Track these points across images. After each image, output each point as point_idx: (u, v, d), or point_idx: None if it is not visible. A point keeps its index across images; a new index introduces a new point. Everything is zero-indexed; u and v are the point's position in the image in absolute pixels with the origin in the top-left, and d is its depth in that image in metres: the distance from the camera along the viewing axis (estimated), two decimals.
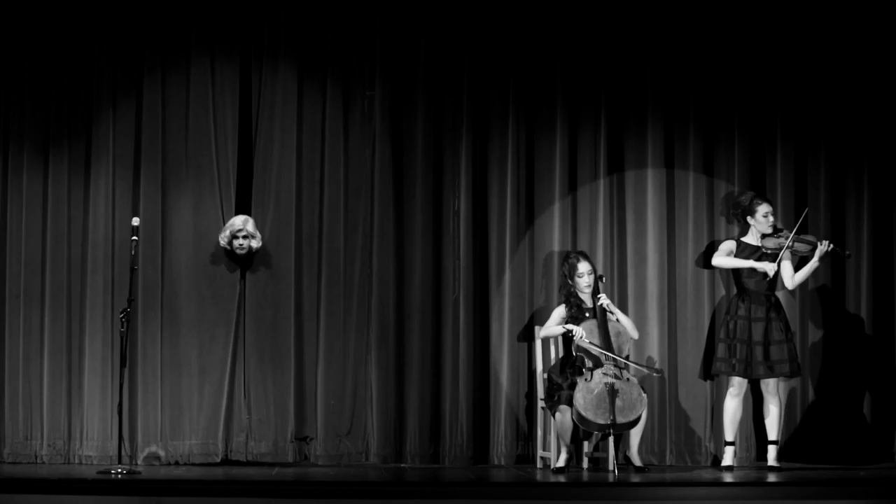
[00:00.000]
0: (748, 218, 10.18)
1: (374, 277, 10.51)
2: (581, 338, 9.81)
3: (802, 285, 10.34)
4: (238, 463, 10.27)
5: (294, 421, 10.37)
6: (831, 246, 10.04)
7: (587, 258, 10.12)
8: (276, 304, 10.41)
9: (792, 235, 10.06)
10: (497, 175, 10.63)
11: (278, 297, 10.41)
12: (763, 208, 10.14)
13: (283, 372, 10.39)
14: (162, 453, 10.21)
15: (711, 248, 10.45)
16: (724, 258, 10.15)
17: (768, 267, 9.99)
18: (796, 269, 10.17)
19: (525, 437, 10.46)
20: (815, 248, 10.07)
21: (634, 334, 10.09)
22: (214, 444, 10.27)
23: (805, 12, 10.70)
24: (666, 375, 10.45)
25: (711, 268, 10.40)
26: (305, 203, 10.52)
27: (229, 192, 10.45)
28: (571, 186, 10.67)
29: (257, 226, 10.37)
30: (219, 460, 10.25)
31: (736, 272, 10.16)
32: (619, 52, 10.68)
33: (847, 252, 10.35)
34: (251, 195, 10.47)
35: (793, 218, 10.42)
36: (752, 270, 10.06)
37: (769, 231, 10.15)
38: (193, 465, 10.17)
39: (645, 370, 10.09)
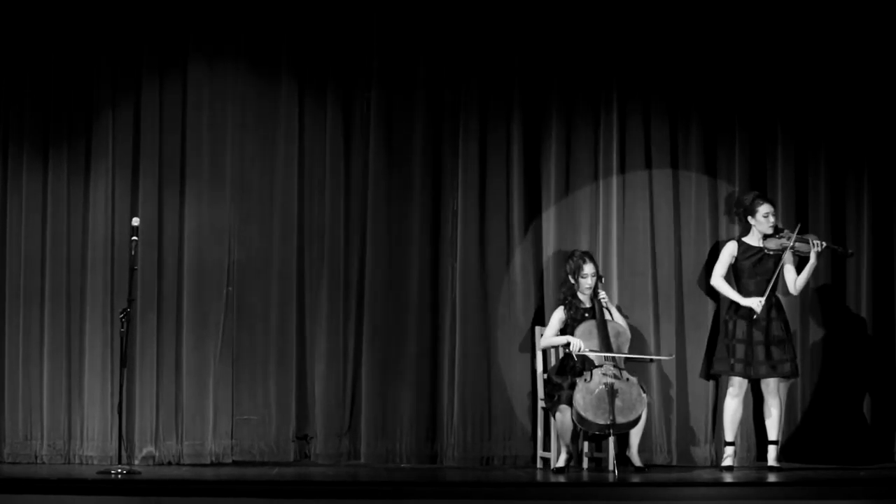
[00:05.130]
0: (749, 218, 10.18)
1: (373, 278, 10.51)
2: (579, 350, 9.81)
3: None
4: (238, 463, 10.27)
5: (294, 420, 10.38)
6: (824, 245, 10.04)
7: (592, 259, 10.12)
8: (278, 304, 10.41)
9: (794, 236, 10.05)
10: (497, 175, 10.62)
11: (280, 297, 10.42)
12: (764, 208, 10.13)
13: (284, 372, 10.40)
14: (157, 453, 10.23)
15: (715, 251, 10.44)
16: (723, 285, 10.11)
17: (754, 303, 9.95)
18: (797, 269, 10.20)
19: (525, 437, 10.45)
20: (811, 247, 10.07)
21: (629, 334, 10.10)
22: (213, 444, 10.27)
23: (805, 12, 10.70)
24: (667, 374, 10.45)
25: (710, 287, 10.40)
26: (306, 204, 10.53)
27: (226, 194, 10.44)
28: (572, 187, 10.67)
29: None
30: (218, 460, 10.26)
31: (737, 272, 10.15)
32: (620, 52, 10.68)
33: (850, 251, 10.35)
34: (251, 196, 10.48)
35: (793, 218, 10.42)
36: (753, 270, 10.06)
37: (770, 231, 10.14)
38: (192, 465, 10.17)
39: (654, 358, 10.08)
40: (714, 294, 10.51)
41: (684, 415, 10.50)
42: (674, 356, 10.33)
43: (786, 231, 10.17)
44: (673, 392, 10.50)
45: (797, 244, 10.07)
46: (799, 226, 10.12)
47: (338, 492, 9.00)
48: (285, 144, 10.51)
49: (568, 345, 9.87)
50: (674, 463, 10.43)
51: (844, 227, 10.71)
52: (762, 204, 10.15)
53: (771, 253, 10.09)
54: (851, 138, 10.74)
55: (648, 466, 10.01)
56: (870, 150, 10.74)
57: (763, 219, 10.13)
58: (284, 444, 10.36)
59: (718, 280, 10.17)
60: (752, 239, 10.18)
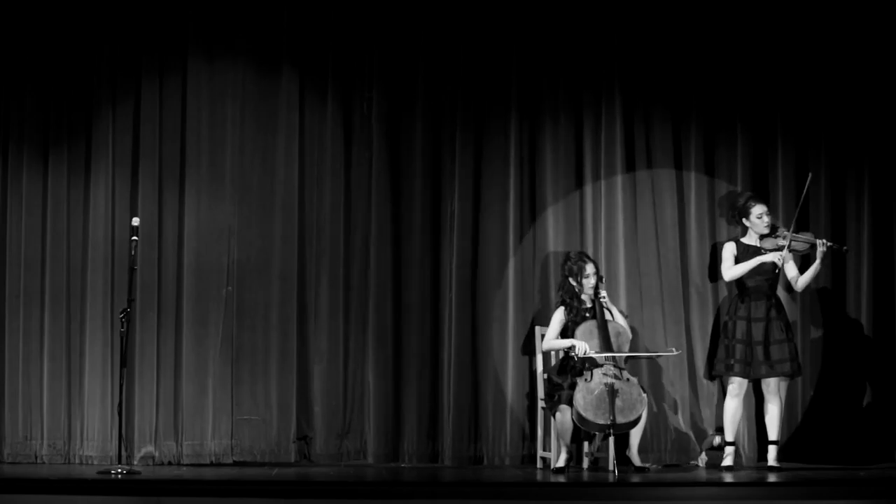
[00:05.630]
0: (744, 220, 10.17)
1: (373, 278, 10.52)
2: (585, 353, 9.79)
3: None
4: (238, 463, 10.27)
5: (295, 421, 10.38)
6: (827, 244, 10.04)
7: (591, 259, 10.12)
8: (278, 304, 10.41)
9: (789, 235, 10.05)
10: (497, 176, 10.62)
11: (280, 297, 10.41)
12: (757, 209, 10.12)
13: (284, 372, 10.40)
14: (157, 453, 10.22)
15: (714, 253, 10.44)
16: (734, 269, 10.08)
17: (775, 257, 9.96)
18: (800, 269, 10.17)
19: (525, 437, 10.46)
20: (812, 246, 10.06)
21: (629, 334, 10.09)
22: (213, 444, 10.27)
23: (805, 12, 10.70)
24: (676, 374, 10.45)
25: (716, 280, 10.38)
26: (306, 204, 10.53)
27: (225, 192, 10.43)
28: (571, 188, 10.66)
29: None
30: (218, 461, 10.26)
31: None
32: (621, 52, 10.67)
33: (845, 247, 10.35)
34: (251, 195, 10.47)
35: (794, 217, 10.42)
36: (752, 270, 10.04)
37: (766, 231, 10.13)
38: (192, 465, 10.17)
39: (660, 355, 10.09)
40: (716, 294, 10.52)
41: (686, 414, 10.48)
42: (679, 351, 10.29)
43: (781, 230, 10.15)
44: (675, 392, 10.49)
45: (794, 243, 10.06)
46: (793, 223, 10.10)
47: (338, 492, 8.99)
48: (286, 143, 10.51)
49: (572, 348, 9.86)
50: (674, 463, 10.42)
51: (845, 227, 10.71)
52: (755, 205, 10.13)
53: (768, 253, 10.08)
54: (852, 138, 10.73)
55: (648, 466, 9.99)
56: (870, 149, 10.74)
57: (757, 220, 10.12)
58: (285, 444, 10.35)
59: (731, 270, 10.12)
60: (750, 239, 10.18)
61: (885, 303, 10.67)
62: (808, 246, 10.08)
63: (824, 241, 10.05)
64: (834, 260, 10.56)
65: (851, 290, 10.70)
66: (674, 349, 10.16)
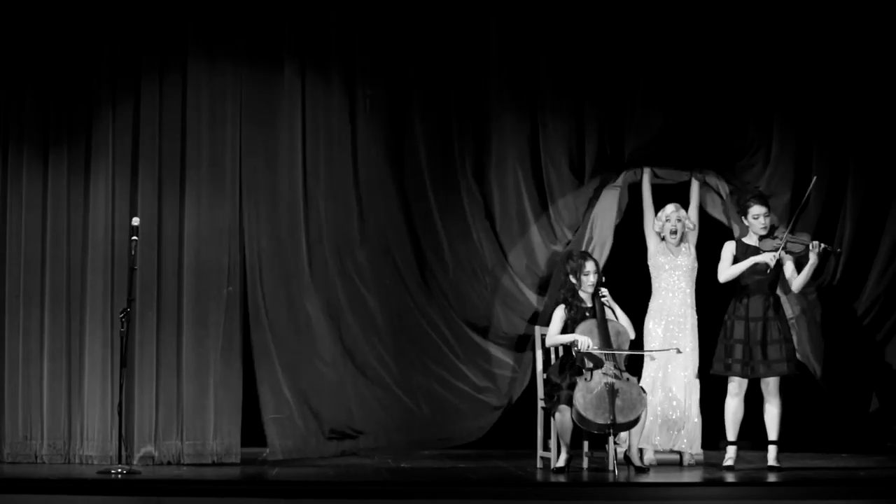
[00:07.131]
0: (743, 218, 10.18)
1: (377, 276, 10.52)
2: (587, 347, 9.79)
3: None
4: (237, 463, 10.27)
5: (300, 419, 10.38)
6: (822, 246, 10.03)
7: (592, 257, 10.12)
8: (277, 303, 10.41)
9: (785, 236, 10.03)
10: (498, 175, 10.64)
11: (280, 296, 10.41)
12: (755, 210, 10.09)
13: (287, 371, 10.39)
14: (156, 453, 10.23)
15: (718, 251, 10.44)
16: (729, 270, 10.06)
17: (768, 258, 9.95)
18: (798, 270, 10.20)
19: (523, 436, 10.45)
20: (807, 248, 10.05)
21: (631, 333, 10.08)
22: (214, 444, 10.27)
23: (802, 10, 10.71)
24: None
25: (718, 282, 10.40)
26: (310, 202, 10.53)
27: (225, 192, 10.43)
28: (573, 186, 10.68)
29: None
30: (219, 460, 10.25)
31: None
32: (617, 50, 10.69)
33: (838, 249, 10.35)
34: (252, 194, 10.47)
35: (792, 219, 10.44)
36: (751, 269, 10.04)
37: (763, 233, 10.11)
38: (193, 465, 10.17)
39: (653, 351, 10.10)
40: (719, 293, 10.54)
41: (704, 413, 10.49)
42: (681, 351, 10.26)
43: (780, 229, 10.15)
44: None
45: (789, 244, 10.04)
46: (791, 224, 10.11)
47: (338, 492, 9.00)
48: (287, 142, 10.50)
49: (573, 343, 9.86)
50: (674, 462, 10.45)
51: (844, 226, 10.73)
52: (754, 206, 10.10)
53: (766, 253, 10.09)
54: (848, 138, 10.76)
55: (648, 466, 10.00)
56: (867, 149, 10.76)
57: (754, 220, 10.10)
58: (285, 444, 10.35)
59: (725, 272, 10.11)
60: (750, 239, 10.17)
61: (886, 302, 10.67)
62: (803, 248, 10.05)
63: (819, 242, 10.04)
64: (828, 257, 10.56)
65: (851, 288, 10.70)
66: (677, 351, 10.17)
